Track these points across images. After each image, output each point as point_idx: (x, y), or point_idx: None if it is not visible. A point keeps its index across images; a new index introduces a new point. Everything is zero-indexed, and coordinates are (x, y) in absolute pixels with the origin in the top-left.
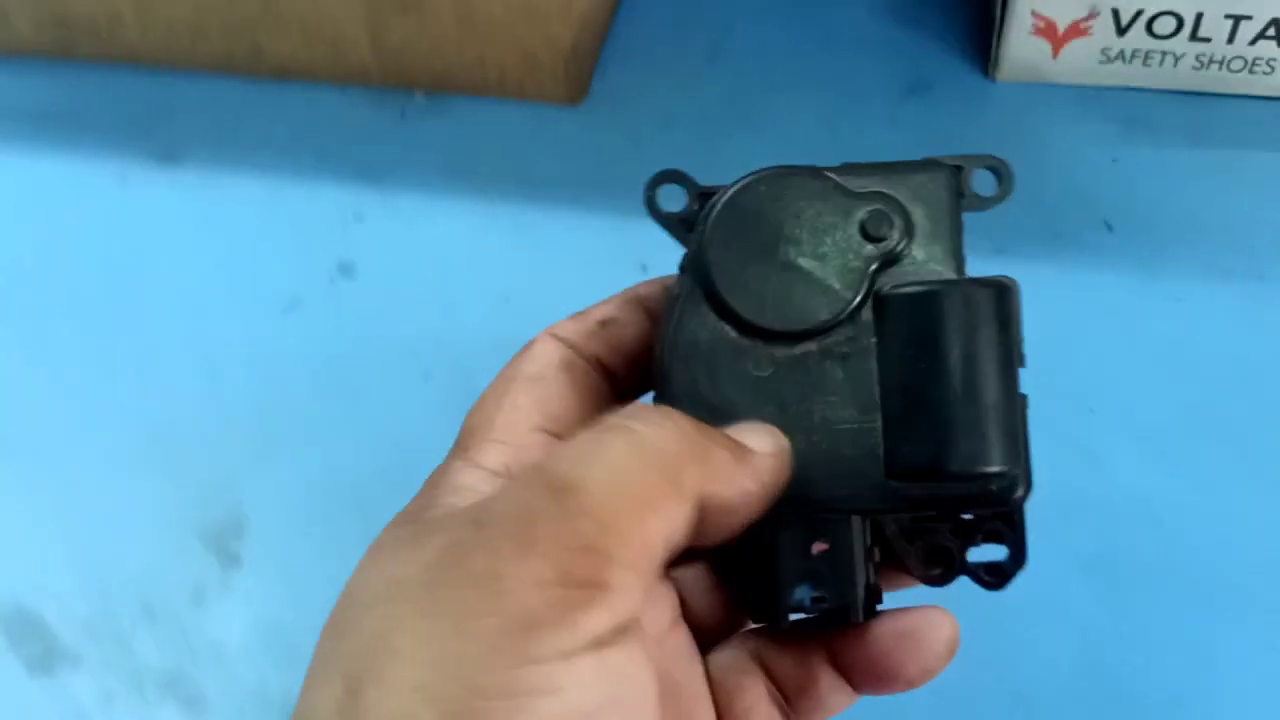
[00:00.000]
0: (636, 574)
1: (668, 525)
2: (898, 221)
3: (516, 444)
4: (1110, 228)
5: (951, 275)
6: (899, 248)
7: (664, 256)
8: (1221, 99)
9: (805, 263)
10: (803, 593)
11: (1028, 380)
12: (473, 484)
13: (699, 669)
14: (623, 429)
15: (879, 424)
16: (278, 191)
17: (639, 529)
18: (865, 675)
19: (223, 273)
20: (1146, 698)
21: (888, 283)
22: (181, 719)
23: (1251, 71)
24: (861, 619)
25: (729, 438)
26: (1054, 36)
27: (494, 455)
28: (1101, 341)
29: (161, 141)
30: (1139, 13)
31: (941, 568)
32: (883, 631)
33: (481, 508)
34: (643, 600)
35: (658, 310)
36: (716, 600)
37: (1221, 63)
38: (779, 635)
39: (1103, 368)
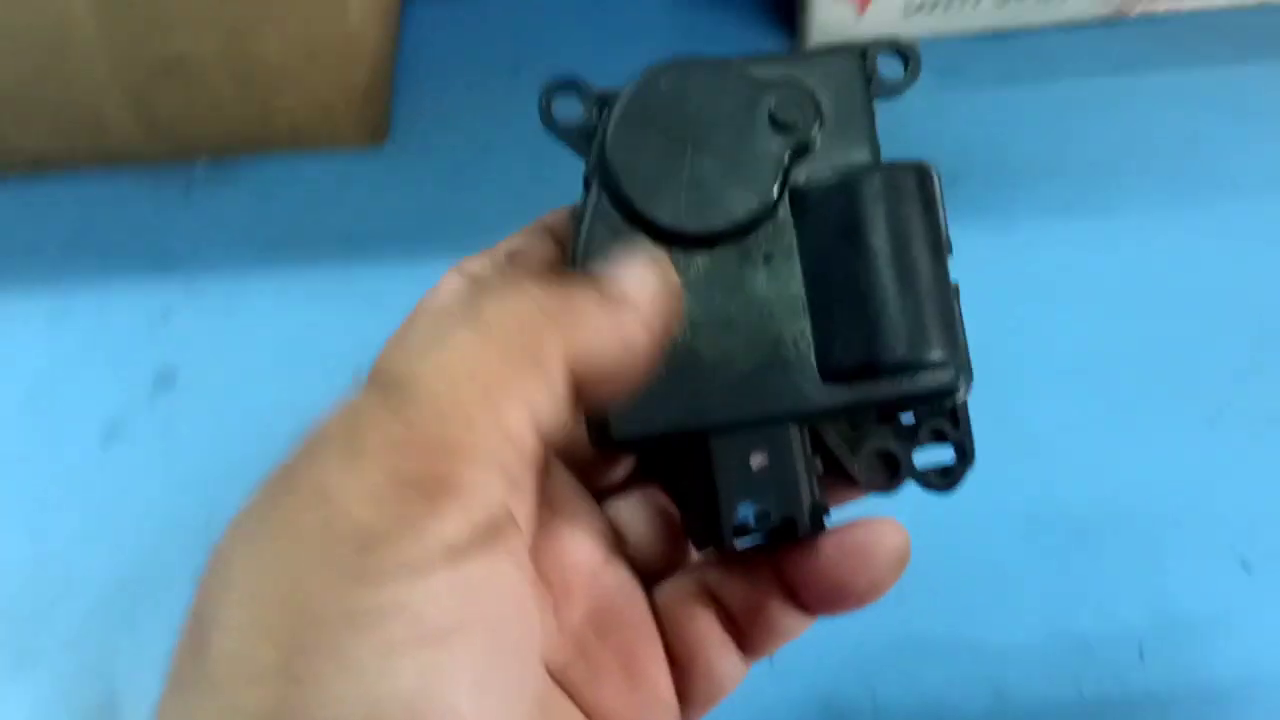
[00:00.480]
0: (494, 467)
1: (530, 405)
2: (808, 107)
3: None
4: (955, 179)
5: (867, 161)
6: (811, 135)
7: None
8: (1024, 34)
9: (715, 159)
10: (745, 510)
11: None
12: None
13: (641, 602)
14: (462, 311)
15: (808, 325)
16: (65, 304)
17: (491, 415)
18: (815, 593)
19: (21, 413)
20: (1113, 656)
21: (803, 174)
22: None
23: (1048, 2)
24: (809, 531)
25: (594, 286)
26: None
27: None
28: (979, 293)
29: None
30: None
31: (888, 474)
32: (829, 546)
33: (314, 424)
34: (505, 495)
35: (566, 237)
36: (658, 534)
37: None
38: (726, 558)
39: (988, 320)
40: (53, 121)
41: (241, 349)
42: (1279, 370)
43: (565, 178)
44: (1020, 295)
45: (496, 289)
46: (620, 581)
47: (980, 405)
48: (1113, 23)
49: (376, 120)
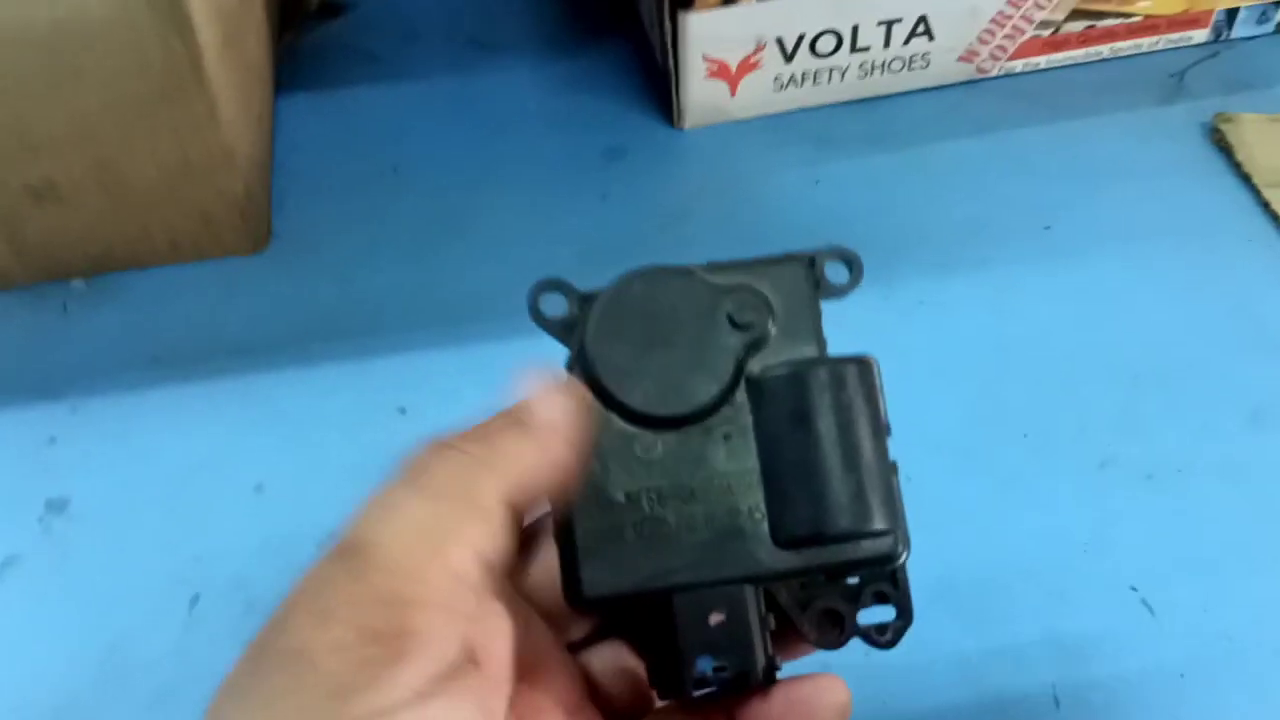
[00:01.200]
0: (447, 611)
1: (473, 545)
2: (760, 308)
3: None
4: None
5: (815, 355)
6: (764, 333)
7: (419, 396)
8: (891, 99)
9: (680, 352)
10: (704, 664)
11: None
12: None
13: None
14: (401, 473)
15: (763, 497)
16: None
17: (440, 564)
18: None
19: None
20: (1031, 706)
21: (758, 365)
22: None
23: (910, 69)
24: (761, 683)
25: (515, 421)
26: (728, 75)
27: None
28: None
29: None
30: (801, 36)
31: (834, 631)
32: (778, 700)
33: (290, 591)
34: (464, 633)
35: None
36: (627, 682)
37: (883, 67)
38: (685, 707)
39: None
40: None
41: (134, 470)
42: (1159, 413)
43: (448, 270)
44: (897, 360)
45: (429, 449)
46: None
47: None
48: (973, 83)
49: (257, 227)
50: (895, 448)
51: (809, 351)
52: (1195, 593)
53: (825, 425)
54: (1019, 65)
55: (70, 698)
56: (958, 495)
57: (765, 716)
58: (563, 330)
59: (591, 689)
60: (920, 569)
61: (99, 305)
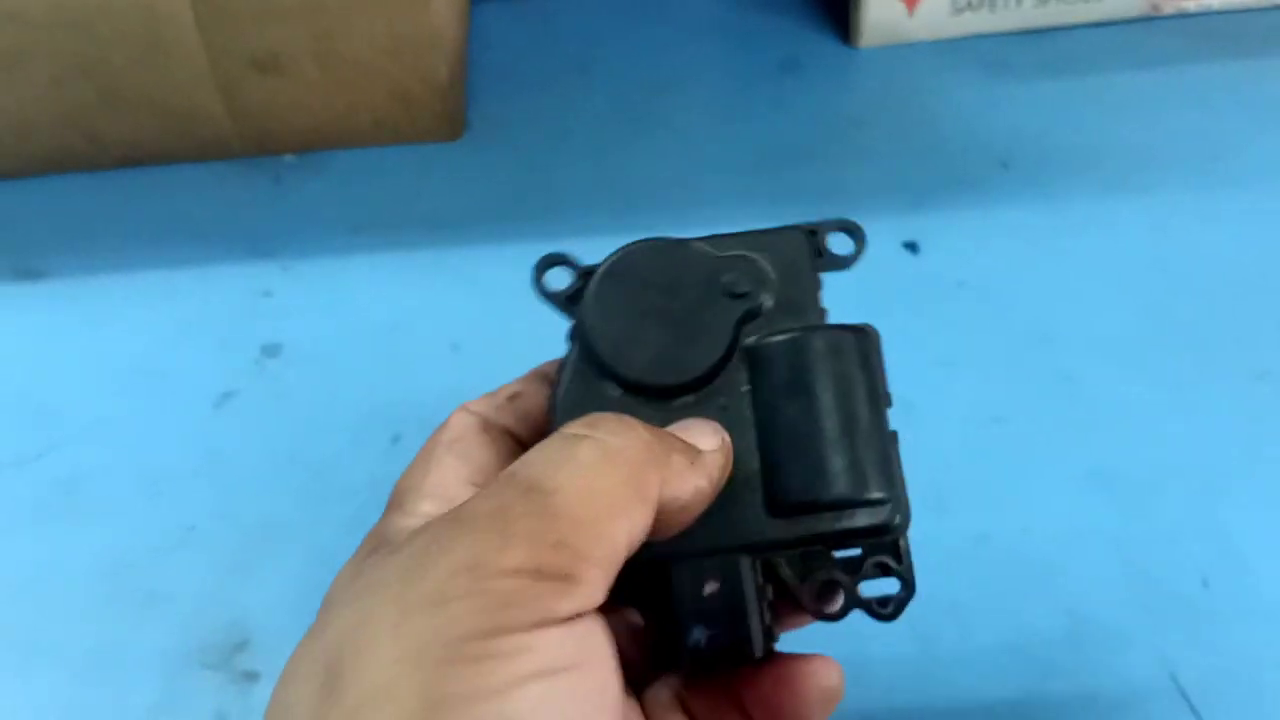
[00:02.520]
0: (602, 570)
1: (632, 526)
2: (756, 280)
3: (448, 495)
4: (1005, 165)
5: (813, 323)
6: (760, 303)
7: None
8: (1063, 31)
9: (677, 322)
10: (699, 633)
11: (990, 315)
12: (415, 526)
13: (636, 706)
14: (590, 436)
15: (758, 466)
16: (167, 285)
17: (608, 529)
18: (761, 715)
19: (133, 381)
20: (1180, 586)
21: (753, 335)
22: None
23: (1086, 1)
24: (757, 656)
25: (683, 441)
26: None
27: (430, 505)
28: (1036, 271)
29: (14, 257)
30: None
31: (835, 602)
32: (770, 677)
33: (459, 508)
34: (604, 594)
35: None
36: (641, 644)
37: None
38: (684, 674)
39: (1045, 296)
40: (146, 115)
41: (341, 323)
42: None
43: (630, 163)
44: (1066, 271)
45: (616, 421)
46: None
47: (1036, 369)
48: (1147, 19)
49: (454, 114)
50: (1057, 351)
51: (807, 320)
52: None
53: (821, 393)
54: (1192, 5)
55: (276, 514)
56: (1117, 394)
57: (755, 691)
58: (566, 303)
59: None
60: (1075, 459)
61: (307, 178)
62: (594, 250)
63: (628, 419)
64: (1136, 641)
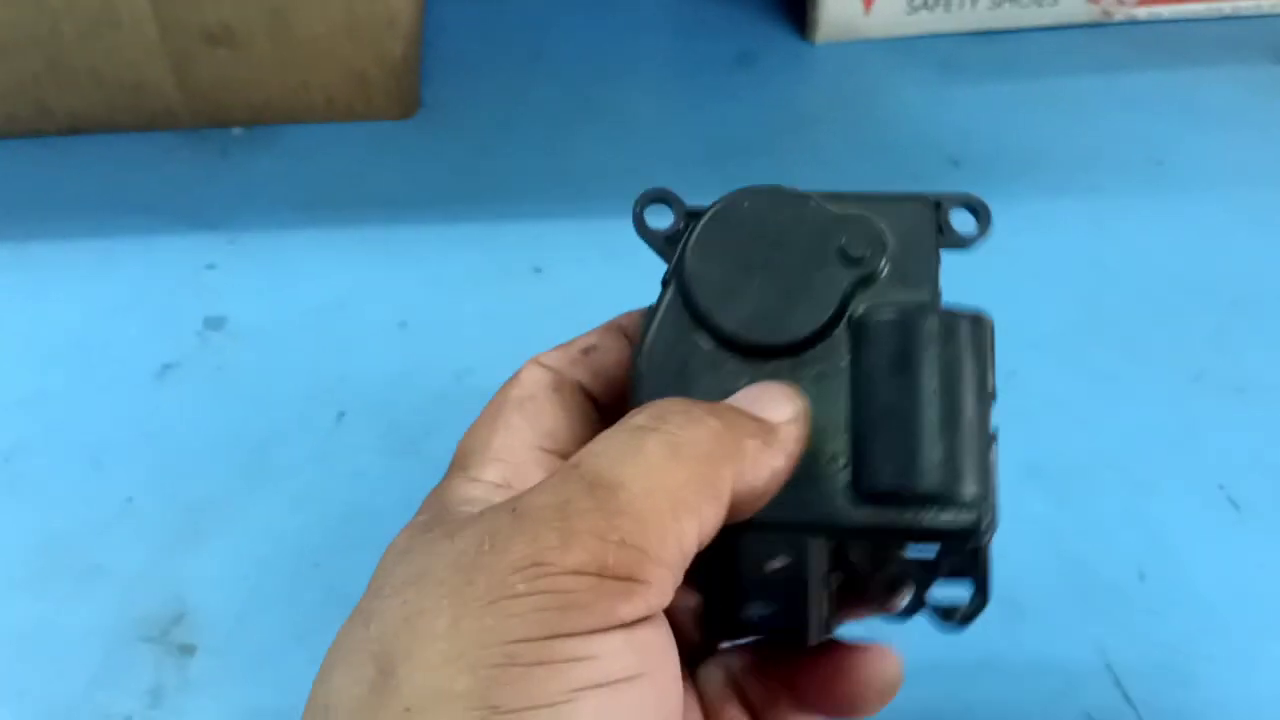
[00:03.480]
0: (669, 570)
1: (702, 525)
2: (876, 245)
3: (515, 461)
4: (956, 163)
5: (927, 301)
6: (876, 271)
7: (555, 255)
8: (1017, 33)
9: (783, 279)
10: (756, 609)
11: None
12: (479, 496)
13: (692, 692)
14: (657, 430)
15: (849, 445)
16: (110, 254)
17: (675, 528)
18: (816, 702)
19: (73, 352)
20: (1116, 577)
21: (862, 305)
22: None
23: (1039, 5)
24: (812, 642)
25: (755, 421)
26: None
27: (494, 471)
28: (979, 269)
29: None
30: None
31: (903, 601)
32: (831, 663)
33: (518, 499)
34: (671, 594)
35: (635, 336)
36: (692, 617)
37: (1013, 0)
38: (739, 650)
39: (986, 292)
40: (93, 86)
41: (287, 298)
42: (1253, 336)
43: (580, 150)
44: (1009, 268)
45: (683, 413)
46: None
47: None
48: (1098, 25)
49: (407, 94)
50: (998, 347)
51: (921, 297)
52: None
53: (928, 377)
54: (1143, 13)
55: (217, 488)
56: (1054, 389)
57: (815, 679)
58: (665, 244)
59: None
60: (1013, 451)
61: (256, 152)
62: (542, 233)
63: (696, 409)
64: (1073, 631)
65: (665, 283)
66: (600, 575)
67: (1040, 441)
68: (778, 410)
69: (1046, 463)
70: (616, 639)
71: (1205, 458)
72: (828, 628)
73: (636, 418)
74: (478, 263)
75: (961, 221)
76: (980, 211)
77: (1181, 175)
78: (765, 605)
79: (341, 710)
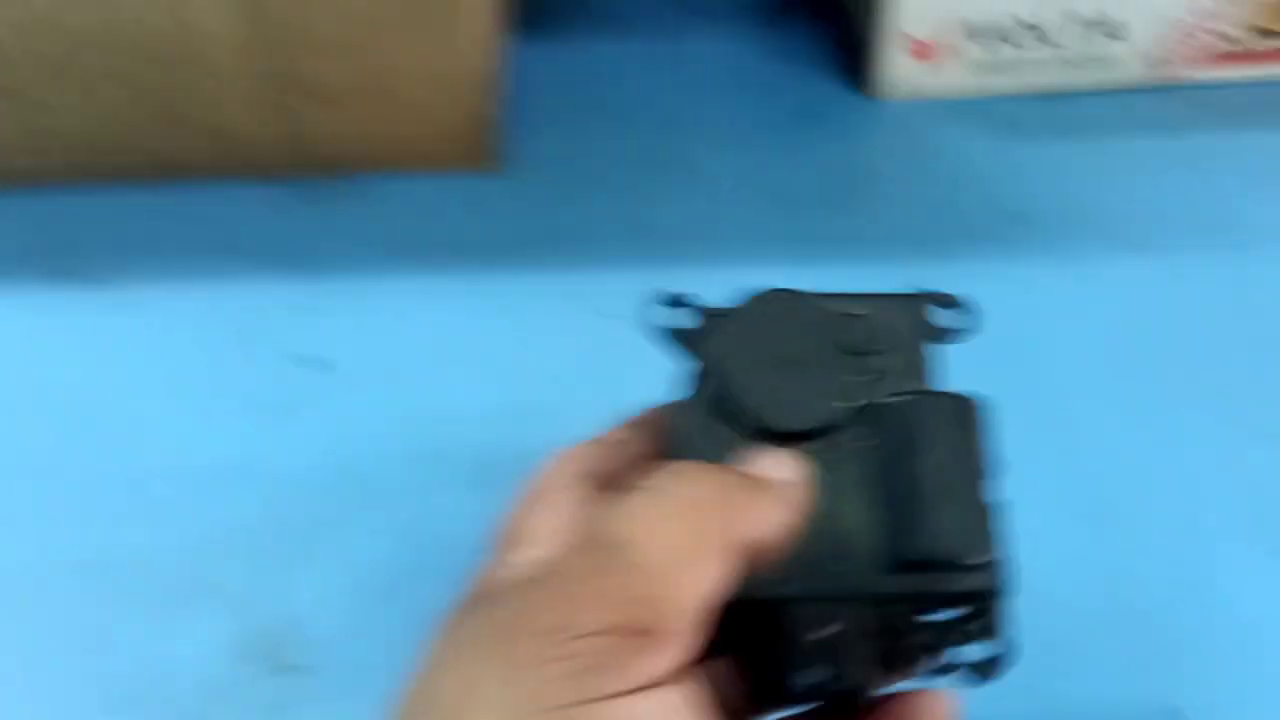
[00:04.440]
0: (684, 622)
1: (711, 577)
2: (885, 340)
3: (551, 543)
4: (1016, 221)
5: (929, 388)
6: (885, 363)
7: (616, 301)
8: (1080, 95)
9: (805, 373)
10: (812, 676)
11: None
12: (518, 577)
13: None
14: (664, 489)
15: (876, 519)
16: (216, 295)
17: (689, 580)
18: None
19: (187, 389)
20: (1165, 621)
21: (877, 393)
22: None
23: (1102, 68)
24: (867, 700)
25: (760, 479)
26: (926, 53)
27: (535, 554)
28: (1041, 323)
29: (66, 259)
30: (1002, 26)
31: (935, 660)
32: (887, 711)
33: (544, 569)
34: (690, 647)
35: (658, 431)
36: (742, 691)
37: (1076, 63)
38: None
39: (1051, 347)
40: (204, 137)
41: (385, 340)
42: None
43: (655, 205)
44: (1066, 323)
45: (691, 470)
46: None
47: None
48: (1160, 89)
49: (493, 148)
50: (1057, 401)
51: (924, 384)
52: None
53: (937, 456)
54: (1205, 75)
55: (317, 517)
56: (1113, 439)
57: None
58: (686, 342)
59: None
60: (1071, 497)
61: (352, 202)
62: (618, 286)
63: (696, 467)
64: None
65: (695, 377)
66: (619, 632)
67: (1100, 491)
68: (780, 471)
69: (1096, 506)
70: (644, 703)
71: (1257, 507)
72: (876, 686)
73: (648, 479)
74: (559, 309)
75: (949, 318)
76: (959, 307)
77: (1245, 234)
78: (819, 671)
79: None
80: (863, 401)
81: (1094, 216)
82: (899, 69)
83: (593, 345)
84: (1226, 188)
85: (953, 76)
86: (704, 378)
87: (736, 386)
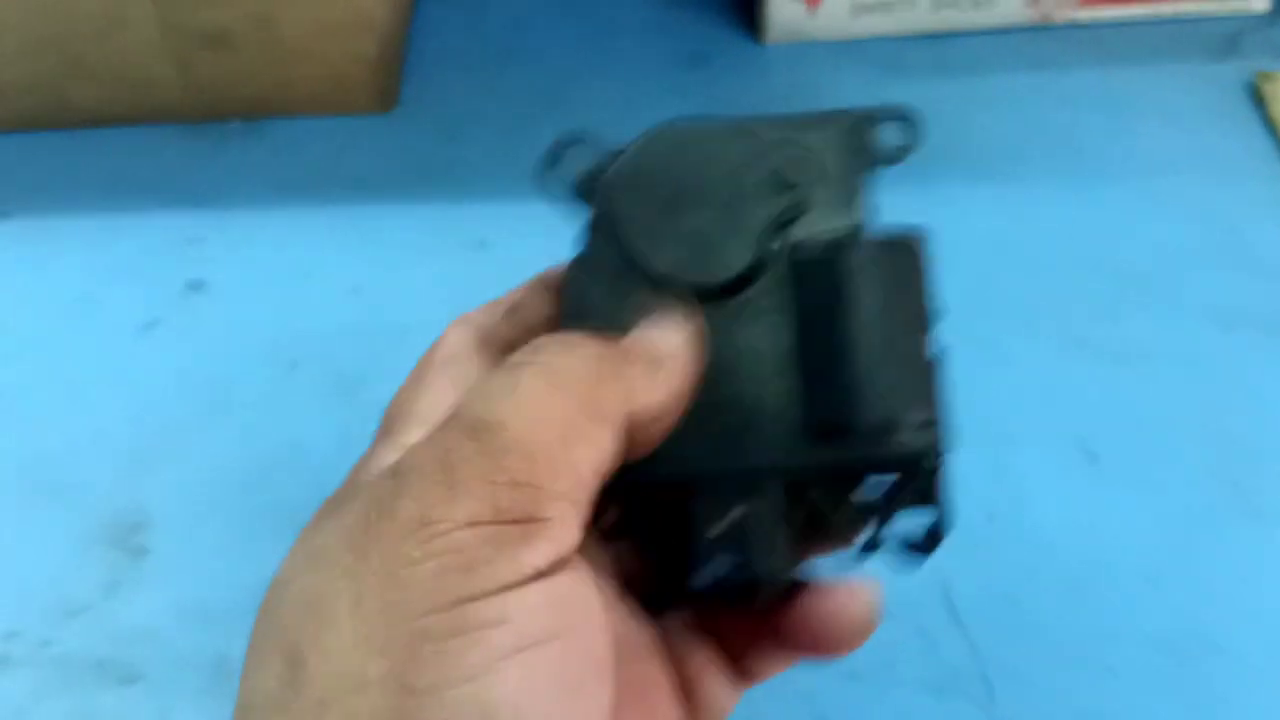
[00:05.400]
0: (571, 504)
1: (596, 452)
2: (808, 169)
3: (439, 422)
4: None
5: (862, 223)
6: (809, 197)
7: (499, 231)
8: (959, 36)
9: (715, 215)
10: (720, 564)
11: None
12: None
13: (651, 634)
14: (532, 363)
15: (794, 383)
16: (112, 228)
17: (567, 458)
18: (795, 641)
19: (72, 308)
20: (966, 518)
21: (798, 234)
22: (120, 697)
23: (979, 8)
24: (784, 585)
25: (639, 345)
26: None
27: (418, 435)
28: None
29: None
30: None
31: (865, 534)
32: (804, 605)
33: (399, 460)
34: (579, 531)
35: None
36: (647, 576)
37: (954, 4)
38: (702, 604)
39: None
40: (109, 82)
41: (260, 269)
42: (1138, 308)
43: (540, 141)
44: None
45: (559, 342)
46: (633, 614)
47: None
48: (1039, 28)
49: (386, 90)
50: None
51: (854, 221)
52: (1139, 453)
53: (864, 306)
54: (1084, 15)
55: (183, 422)
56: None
57: (792, 620)
58: (585, 188)
59: (625, 577)
60: None
61: (248, 143)
62: (490, 213)
63: (573, 338)
64: None
65: (590, 227)
66: (496, 522)
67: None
68: (665, 339)
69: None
70: (530, 595)
71: (1073, 416)
72: (796, 568)
73: (515, 355)
74: (428, 238)
75: (891, 135)
76: (910, 121)
77: (1100, 165)
78: (731, 558)
79: (257, 709)
80: (780, 244)
81: (961, 150)
82: (784, 12)
83: (457, 269)
84: (1096, 123)
85: (837, 19)
86: (601, 227)
87: (632, 236)
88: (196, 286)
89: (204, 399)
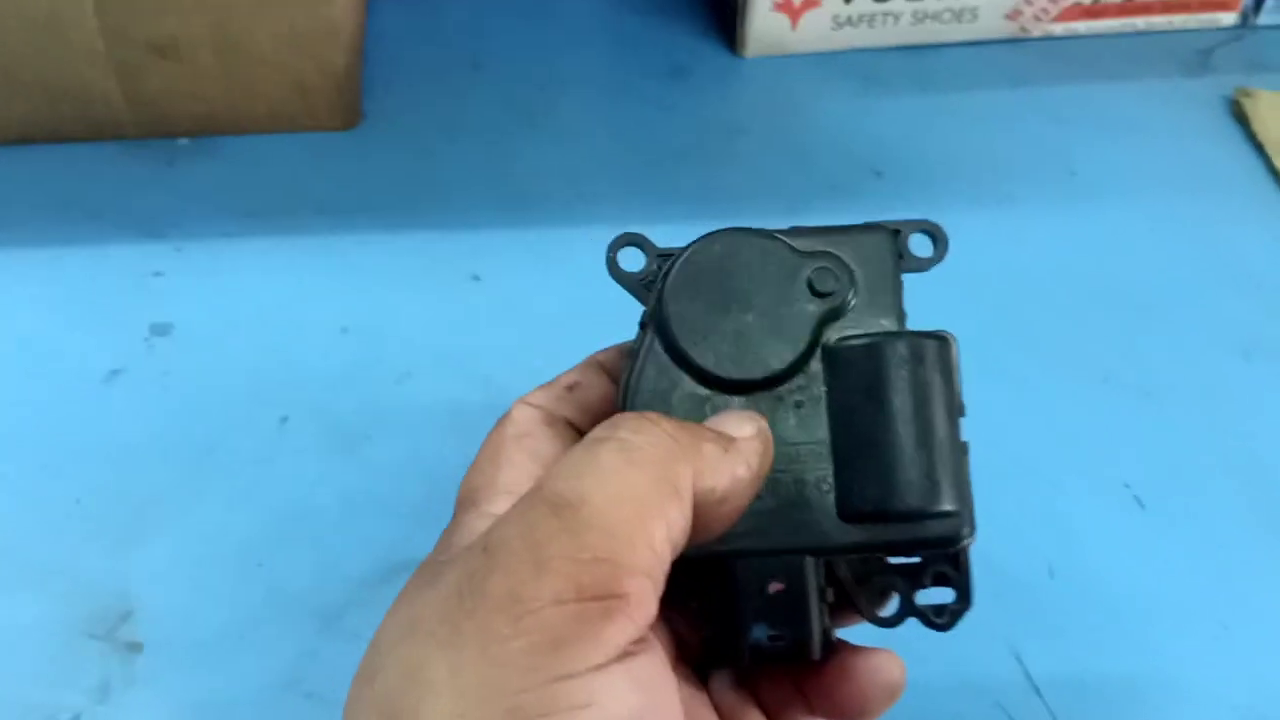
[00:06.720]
0: (648, 579)
1: (670, 527)
2: (842, 278)
3: (521, 494)
4: (879, 174)
5: (894, 328)
6: (844, 303)
7: (492, 263)
8: (938, 48)
9: (758, 316)
10: (760, 632)
11: None
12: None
13: (705, 701)
14: (610, 440)
15: (831, 469)
16: (58, 262)
17: (644, 534)
18: (826, 705)
19: (21, 358)
20: (1026, 575)
21: (834, 335)
22: None
23: (959, 21)
24: (817, 656)
25: (714, 431)
26: (791, 10)
27: (504, 504)
28: None
29: None
30: None
31: (889, 608)
32: (833, 668)
33: (487, 535)
34: (655, 605)
35: (616, 373)
36: (695, 643)
37: (934, 16)
38: (740, 671)
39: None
40: (43, 94)
41: (230, 306)
42: (1155, 338)
43: (521, 160)
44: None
45: (636, 419)
46: (687, 680)
47: None
48: (1016, 41)
49: (349, 105)
50: None
51: (888, 324)
52: (1183, 494)
53: (900, 401)
54: (1059, 29)
55: (163, 490)
56: (968, 394)
57: (817, 683)
58: (639, 286)
59: (679, 644)
60: None
61: (202, 162)
62: (480, 241)
63: (651, 415)
64: (985, 628)
65: (643, 325)
66: (580, 599)
67: None
68: (738, 428)
69: None
70: (615, 677)
71: (1112, 457)
72: (827, 641)
73: (594, 432)
74: (417, 270)
75: (919, 246)
76: (937, 236)
77: (1092, 184)
78: (769, 627)
79: None
80: (824, 343)
81: (950, 169)
82: (765, 25)
83: (451, 305)
84: (1081, 138)
85: (817, 32)
86: (657, 321)
87: (685, 335)
88: (162, 330)
89: (184, 461)
